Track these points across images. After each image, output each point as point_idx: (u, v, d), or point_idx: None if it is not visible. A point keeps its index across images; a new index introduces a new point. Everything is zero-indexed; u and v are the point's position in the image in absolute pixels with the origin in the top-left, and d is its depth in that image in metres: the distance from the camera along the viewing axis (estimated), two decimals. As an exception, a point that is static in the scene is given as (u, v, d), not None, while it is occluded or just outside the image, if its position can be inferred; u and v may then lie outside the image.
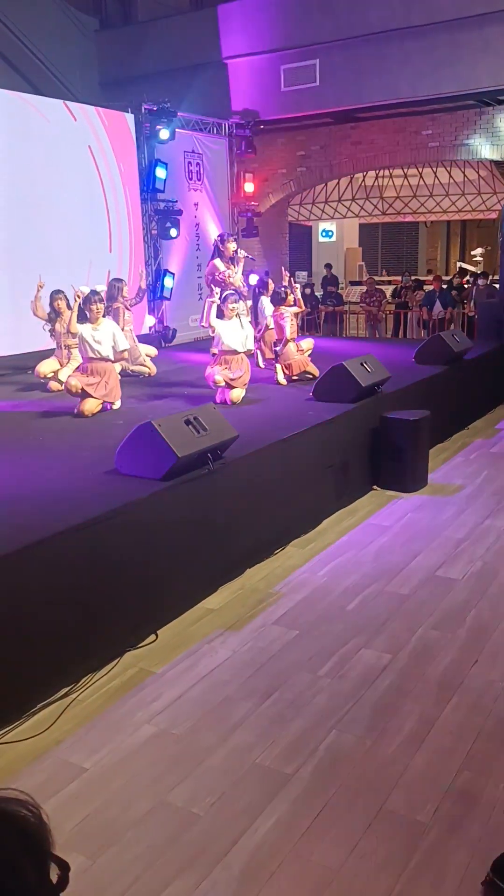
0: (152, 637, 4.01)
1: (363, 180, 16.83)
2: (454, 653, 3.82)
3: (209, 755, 3.07)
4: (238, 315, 6.80)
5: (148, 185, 10.82)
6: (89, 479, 4.46)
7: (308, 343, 7.99)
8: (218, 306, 6.80)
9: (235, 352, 6.74)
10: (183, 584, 4.32)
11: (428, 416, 6.42)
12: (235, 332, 6.74)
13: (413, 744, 3.11)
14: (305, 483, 5.51)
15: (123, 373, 7.96)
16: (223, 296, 6.85)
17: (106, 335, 6.45)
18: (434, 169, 16.15)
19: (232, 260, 8.06)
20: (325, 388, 6.45)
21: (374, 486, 6.39)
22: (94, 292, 6.57)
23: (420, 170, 16.30)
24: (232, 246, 8.10)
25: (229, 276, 7.89)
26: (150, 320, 11.03)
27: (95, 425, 6.08)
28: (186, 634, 4.07)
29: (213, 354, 6.96)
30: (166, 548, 4.18)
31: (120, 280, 8.21)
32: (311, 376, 7.48)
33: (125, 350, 6.74)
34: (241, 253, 8.16)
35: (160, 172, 10.76)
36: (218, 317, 6.78)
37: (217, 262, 8.05)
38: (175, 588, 4.26)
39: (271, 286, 8.38)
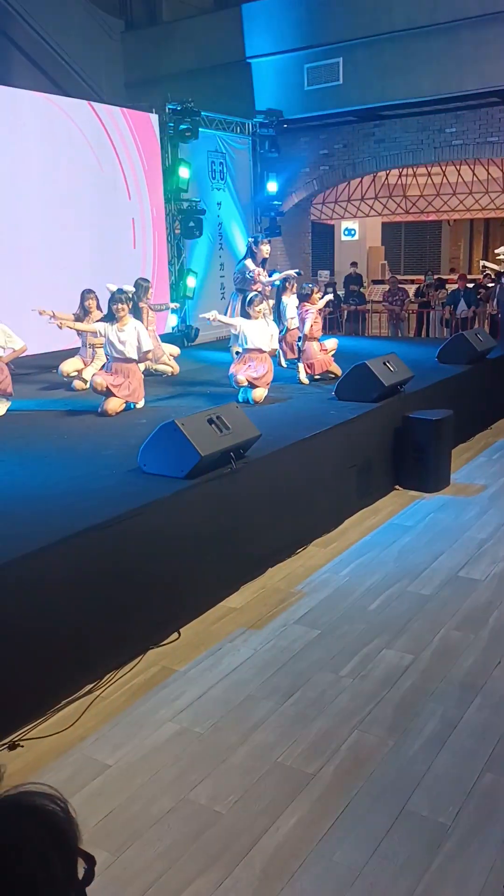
0: (175, 635, 4.03)
1: (386, 179, 16.77)
2: (477, 653, 3.80)
3: (231, 754, 3.09)
4: (263, 315, 6.82)
5: (171, 185, 10.85)
6: (113, 478, 4.49)
7: (332, 343, 7.98)
8: (243, 308, 6.82)
9: (260, 351, 6.75)
10: (205, 582, 4.34)
11: (451, 415, 6.39)
12: (261, 331, 6.75)
13: (435, 745, 3.10)
14: (327, 482, 5.51)
15: (146, 372, 8.01)
16: (248, 298, 6.87)
17: (130, 335, 6.49)
18: (457, 167, 16.05)
19: (263, 263, 8.12)
20: (348, 388, 6.44)
21: (397, 486, 6.37)
22: (120, 291, 6.59)
23: (443, 168, 16.20)
24: (266, 249, 8.16)
25: (259, 274, 7.94)
26: (172, 319, 11.06)
27: (119, 424, 6.12)
28: (209, 633, 4.09)
29: (237, 353, 6.97)
30: (189, 546, 4.20)
31: (146, 280, 8.26)
32: (333, 376, 7.48)
33: (149, 351, 6.77)
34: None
35: (183, 172, 10.79)
36: (243, 316, 6.81)
37: (248, 262, 8.11)
38: (197, 587, 4.28)
39: (294, 286, 8.39)
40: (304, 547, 5.19)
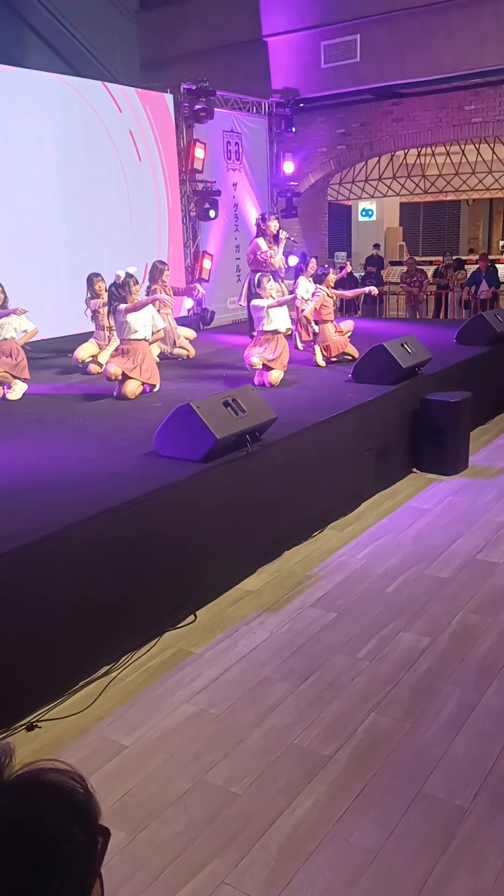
0: (191, 617, 4.04)
1: (404, 158, 16.55)
2: (495, 636, 3.77)
3: (247, 735, 3.09)
4: (273, 296, 6.76)
5: (186, 166, 10.78)
6: (129, 461, 4.49)
7: (348, 325, 7.92)
8: (253, 290, 6.76)
9: (276, 332, 6.71)
10: (221, 565, 4.34)
11: (469, 397, 6.33)
12: (280, 313, 6.71)
13: (453, 728, 3.09)
14: (344, 465, 5.48)
15: (162, 355, 7.99)
16: (257, 279, 6.82)
17: (144, 316, 6.47)
18: (477, 145, 15.81)
19: (275, 239, 8.00)
20: (365, 370, 6.39)
21: (414, 469, 6.33)
22: (129, 275, 6.58)
23: (462, 146, 15.97)
24: (274, 224, 8.04)
25: (271, 256, 7.85)
26: (188, 302, 11.02)
27: (134, 407, 6.12)
28: (225, 615, 4.10)
29: (253, 336, 6.93)
30: (205, 529, 4.20)
31: (163, 263, 8.22)
32: (350, 358, 7.42)
33: (160, 329, 6.76)
34: (283, 234, 8.10)
35: (198, 152, 10.70)
36: (253, 300, 6.76)
37: (260, 241, 8.00)
38: (214, 569, 4.28)
39: (312, 266, 8.32)
40: (321, 530, 5.17)
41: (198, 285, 9.14)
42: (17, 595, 3.18)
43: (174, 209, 10.73)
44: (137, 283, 6.58)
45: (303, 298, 8.11)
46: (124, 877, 2.40)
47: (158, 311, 7.02)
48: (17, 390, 6.51)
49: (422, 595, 4.24)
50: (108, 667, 3.56)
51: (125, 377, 6.37)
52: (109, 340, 7.67)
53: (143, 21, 13.37)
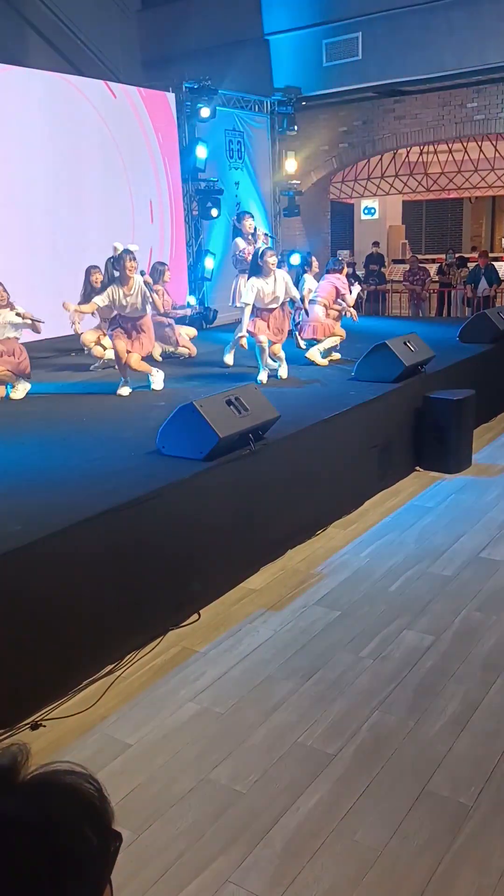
0: (195, 616, 4.04)
1: (406, 156, 16.52)
2: (498, 634, 3.77)
3: (251, 734, 3.09)
4: (275, 267, 6.74)
5: (188, 165, 10.77)
6: (132, 460, 4.49)
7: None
8: (255, 263, 6.76)
9: (270, 310, 6.73)
10: (225, 564, 4.34)
11: (472, 395, 6.32)
12: (276, 285, 6.69)
13: (456, 726, 3.09)
14: (347, 464, 5.48)
15: (164, 354, 7.98)
16: (260, 251, 6.82)
17: (137, 294, 6.48)
18: (479, 143, 15.77)
19: (253, 236, 8.07)
20: (368, 368, 6.38)
21: (417, 467, 6.32)
22: (126, 251, 6.49)
23: (465, 144, 15.93)
24: (249, 223, 8.09)
25: (249, 253, 7.88)
26: (191, 300, 11.02)
27: (137, 406, 6.12)
28: (229, 614, 4.10)
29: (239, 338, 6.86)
30: (208, 528, 4.20)
31: (163, 264, 8.21)
32: (339, 341, 7.57)
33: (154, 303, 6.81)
34: (261, 231, 8.20)
35: (200, 152, 10.69)
36: (255, 273, 6.70)
37: (238, 240, 8.10)
38: (217, 568, 4.28)
39: (315, 265, 8.30)
40: (324, 528, 5.17)
41: (189, 303, 9.07)
42: (21, 594, 3.18)
43: (176, 208, 10.73)
44: (134, 259, 6.48)
45: (309, 290, 8.12)
46: (129, 875, 2.40)
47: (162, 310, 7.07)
48: (21, 390, 6.51)
49: (425, 593, 4.23)
50: (112, 665, 3.56)
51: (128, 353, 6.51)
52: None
53: (145, 19, 13.36)
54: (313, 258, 8.49)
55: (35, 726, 3.15)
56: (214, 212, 10.96)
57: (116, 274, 6.53)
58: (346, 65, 11.81)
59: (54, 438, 5.20)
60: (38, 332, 6.65)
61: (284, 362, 6.96)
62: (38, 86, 8.70)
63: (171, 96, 10.50)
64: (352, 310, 7.74)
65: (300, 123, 12.65)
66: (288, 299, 6.91)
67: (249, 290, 6.62)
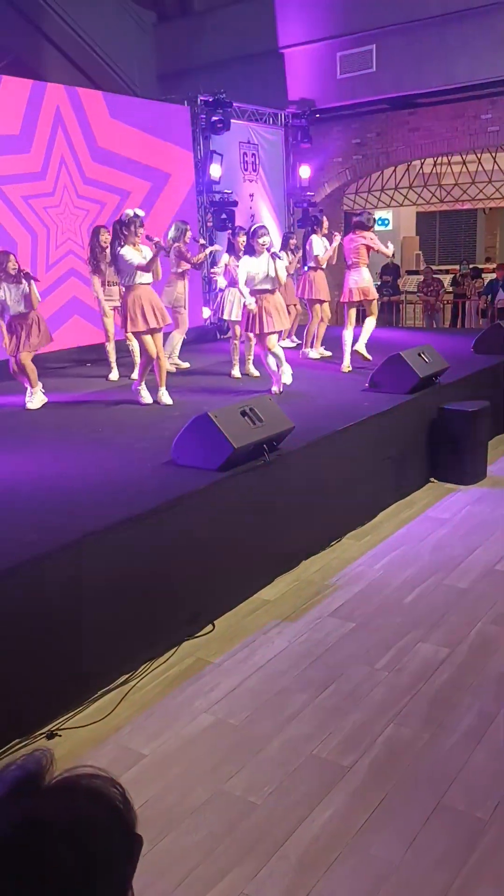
0: (209, 627, 4.04)
1: (420, 167, 16.55)
2: (514, 648, 3.75)
3: (266, 745, 3.09)
4: (267, 250, 6.67)
5: (203, 177, 10.84)
6: (147, 470, 4.51)
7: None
8: (248, 244, 6.79)
9: (264, 291, 6.66)
10: (239, 574, 4.34)
11: (487, 406, 6.31)
12: (268, 266, 6.64)
13: (472, 739, 3.07)
14: (362, 475, 5.47)
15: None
16: (252, 229, 6.85)
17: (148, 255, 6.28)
18: (493, 154, 15.78)
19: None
20: (382, 379, 6.38)
21: (432, 479, 6.31)
22: (136, 215, 6.31)
23: (479, 155, 15.94)
24: (241, 240, 8.05)
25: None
26: (205, 312, 11.06)
27: (152, 417, 6.15)
28: (243, 625, 4.10)
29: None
30: (223, 538, 4.20)
31: (185, 223, 8.29)
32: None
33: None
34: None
35: (214, 171, 10.72)
36: (248, 252, 6.70)
37: (228, 256, 8.08)
38: (231, 579, 4.28)
39: (325, 224, 8.59)
40: (339, 539, 5.16)
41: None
42: (37, 603, 3.20)
43: (192, 220, 10.78)
44: (142, 225, 6.41)
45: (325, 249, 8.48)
46: (143, 886, 2.39)
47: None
48: (37, 401, 6.54)
49: (440, 605, 4.22)
50: (126, 676, 3.57)
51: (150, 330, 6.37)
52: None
53: (161, 33, 13.48)
54: (324, 217, 8.66)
55: (50, 736, 3.16)
56: (229, 224, 11.00)
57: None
58: (360, 77, 11.86)
59: (70, 449, 5.23)
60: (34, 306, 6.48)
61: (285, 363, 6.77)
62: (56, 100, 8.78)
63: (186, 109, 10.58)
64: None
65: (314, 135, 12.71)
66: (283, 281, 6.86)
67: (242, 269, 6.68)
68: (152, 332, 6.39)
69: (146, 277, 6.34)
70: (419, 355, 6.36)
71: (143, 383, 6.62)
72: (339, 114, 12.82)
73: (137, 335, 6.52)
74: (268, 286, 6.65)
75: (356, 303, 7.85)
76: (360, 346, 7.75)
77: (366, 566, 4.78)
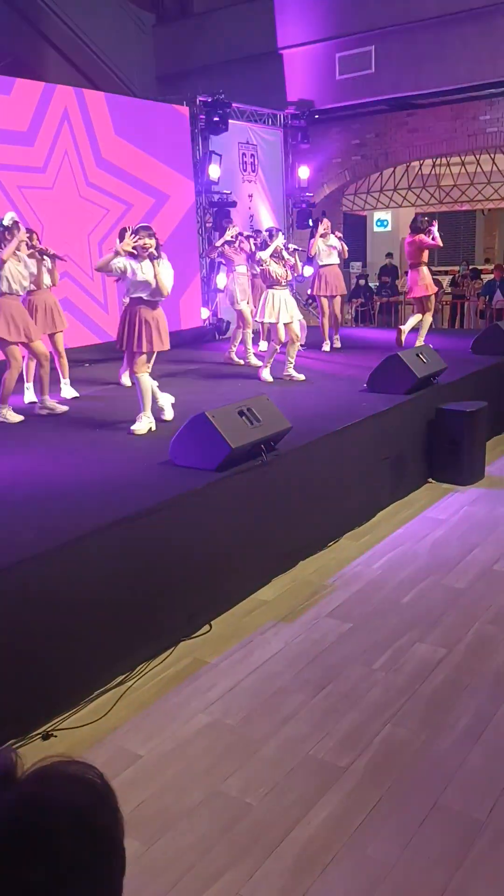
0: (206, 627, 4.04)
1: (419, 168, 16.55)
2: (512, 649, 3.74)
3: (262, 746, 3.08)
4: (285, 247, 7.28)
5: (202, 178, 10.84)
6: (144, 470, 4.51)
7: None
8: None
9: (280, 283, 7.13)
10: (236, 575, 4.33)
11: (485, 407, 6.30)
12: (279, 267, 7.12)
13: (469, 740, 3.07)
14: (360, 475, 5.47)
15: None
16: (271, 231, 7.40)
17: (148, 271, 5.42)
18: (492, 155, 15.78)
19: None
20: (380, 379, 6.38)
21: (430, 479, 6.30)
22: (144, 227, 5.57)
23: (478, 156, 15.95)
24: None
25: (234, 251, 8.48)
26: (204, 312, 11.06)
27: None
28: (240, 625, 4.09)
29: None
30: (220, 539, 4.20)
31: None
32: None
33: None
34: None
35: (213, 172, 10.73)
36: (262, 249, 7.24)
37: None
38: (228, 579, 4.28)
39: (326, 225, 9.12)
40: (336, 540, 5.16)
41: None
42: (33, 603, 3.19)
43: (190, 220, 10.78)
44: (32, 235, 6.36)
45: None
46: (138, 887, 2.39)
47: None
48: (67, 392, 6.71)
49: (438, 606, 4.21)
50: (123, 676, 3.56)
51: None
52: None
53: (160, 34, 13.49)
54: (325, 219, 9.21)
55: (46, 736, 3.15)
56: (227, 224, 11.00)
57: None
58: (359, 78, 11.87)
59: (67, 449, 5.22)
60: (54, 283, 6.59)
61: (293, 364, 7.27)
62: (56, 100, 8.78)
63: (185, 110, 10.58)
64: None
65: (313, 136, 12.72)
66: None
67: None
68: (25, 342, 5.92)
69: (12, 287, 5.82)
70: (417, 356, 6.36)
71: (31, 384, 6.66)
72: (338, 115, 12.82)
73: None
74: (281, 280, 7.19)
75: (421, 298, 8.51)
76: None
77: (363, 566, 4.78)
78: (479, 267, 16.83)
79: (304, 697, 3.40)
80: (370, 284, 15.40)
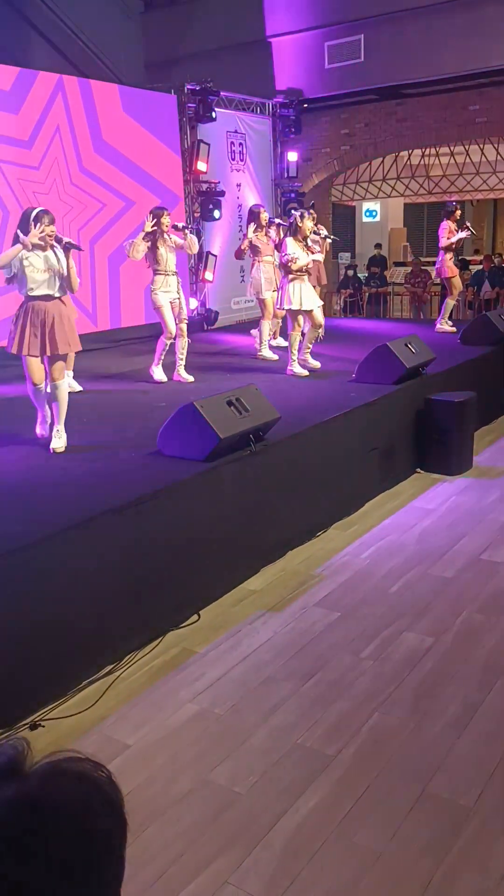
0: (195, 617, 4.03)
1: (408, 159, 16.52)
2: (499, 636, 3.76)
3: (251, 735, 3.08)
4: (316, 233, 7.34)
5: (190, 167, 10.77)
6: (132, 461, 4.49)
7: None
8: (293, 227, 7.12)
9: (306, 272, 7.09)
10: (225, 565, 4.33)
11: (473, 397, 6.31)
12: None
13: (456, 728, 3.08)
14: (348, 465, 5.47)
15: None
16: (301, 213, 7.22)
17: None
18: (481, 145, 15.78)
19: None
20: (369, 370, 6.38)
21: (418, 469, 6.31)
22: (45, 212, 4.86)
23: (467, 147, 15.94)
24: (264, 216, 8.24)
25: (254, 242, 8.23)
26: (192, 303, 11.01)
27: (138, 407, 6.12)
28: (228, 615, 4.09)
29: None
30: (208, 529, 4.19)
31: (161, 208, 7.74)
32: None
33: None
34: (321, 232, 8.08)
35: (201, 163, 10.63)
36: (292, 234, 7.06)
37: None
38: (217, 569, 4.27)
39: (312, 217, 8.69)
40: (325, 530, 5.16)
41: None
42: (21, 594, 3.18)
43: (178, 210, 10.72)
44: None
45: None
46: (126, 876, 2.38)
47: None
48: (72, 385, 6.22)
49: (426, 595, 4.22)
50: (111, 666, 3.55)
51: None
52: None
53: (148, 21, 13.38)
54: (312, 211, 8.49)
55: (34, 726, 3.14)
56: (216, 213, 10.95)
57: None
58: (348, 67, 11.81)
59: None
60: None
61: (310, 350, 7.35)
62: (41, 87, 8.70)
63: (173, 98, 10.50)
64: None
65: (302, 125, 12.66)
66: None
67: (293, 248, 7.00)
68: None
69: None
70: (406, 346, 6.36)
71: None
72: (327, 104, 12.76)
73: None
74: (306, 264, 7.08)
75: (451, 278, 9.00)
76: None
77: (351, 556, 4.78)
78: (468, 258, 16.83)
79: (293, 686, 3.40)
80: (359, 275, 15.38)
